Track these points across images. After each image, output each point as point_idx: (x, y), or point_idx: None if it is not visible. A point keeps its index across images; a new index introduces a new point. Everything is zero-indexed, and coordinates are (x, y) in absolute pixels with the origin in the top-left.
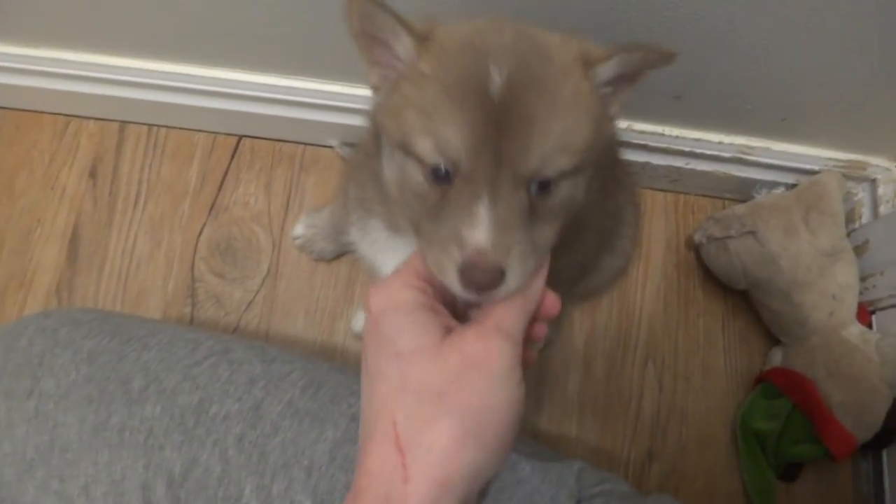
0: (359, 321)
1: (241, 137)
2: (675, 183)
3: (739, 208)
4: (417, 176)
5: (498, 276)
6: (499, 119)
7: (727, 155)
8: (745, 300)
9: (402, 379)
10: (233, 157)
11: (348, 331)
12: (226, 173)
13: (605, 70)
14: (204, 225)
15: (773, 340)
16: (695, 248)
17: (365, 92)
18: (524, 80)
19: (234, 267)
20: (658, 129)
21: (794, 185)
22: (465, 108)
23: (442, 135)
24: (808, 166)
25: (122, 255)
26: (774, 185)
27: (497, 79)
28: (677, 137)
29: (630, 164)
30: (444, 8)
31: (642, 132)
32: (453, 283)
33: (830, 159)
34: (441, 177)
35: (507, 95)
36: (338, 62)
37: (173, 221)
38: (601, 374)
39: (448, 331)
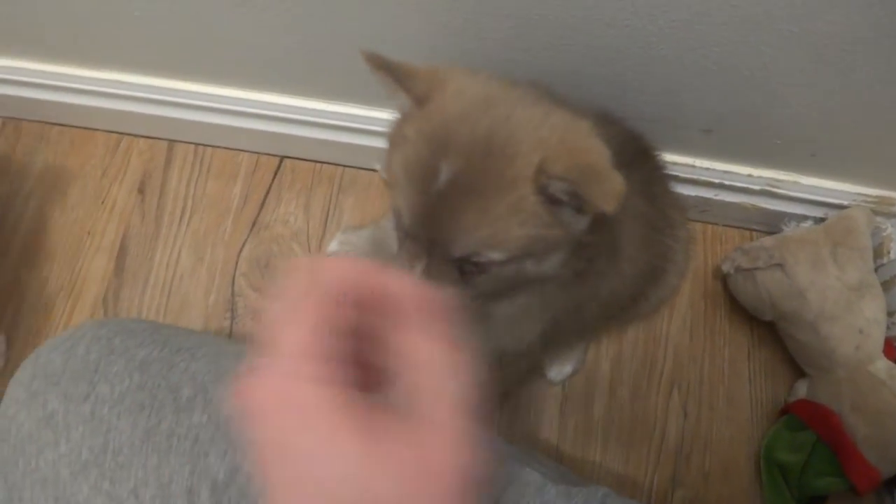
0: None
1: (282, 158)
2: (704, 213)
3: (767, 240)
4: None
5: None
6: (437, 209)
7: (756, 188)
8: (772, 331)
9: None
10: (275, 176)
11: None
12: (267, 192)
13: (553, 186)
14: (245, 241)
15: (799, 372)
16: (722, 279)
17: None
18: (467, 182)
19: (273, 283)
20: (689, 160)
21: (822, 219)
22: (414, 190)
23: (400, 200)
24: (836, 201)
25: (167, 268)
26: (803, 218)
27: (444, 175)
28: (707, 169)
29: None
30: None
31: (674, 163)
32: None
33: (859, 194)
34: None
35: (448, 191)
36: (381, 89)
37: (216, 237)
38: (626, 398)
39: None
